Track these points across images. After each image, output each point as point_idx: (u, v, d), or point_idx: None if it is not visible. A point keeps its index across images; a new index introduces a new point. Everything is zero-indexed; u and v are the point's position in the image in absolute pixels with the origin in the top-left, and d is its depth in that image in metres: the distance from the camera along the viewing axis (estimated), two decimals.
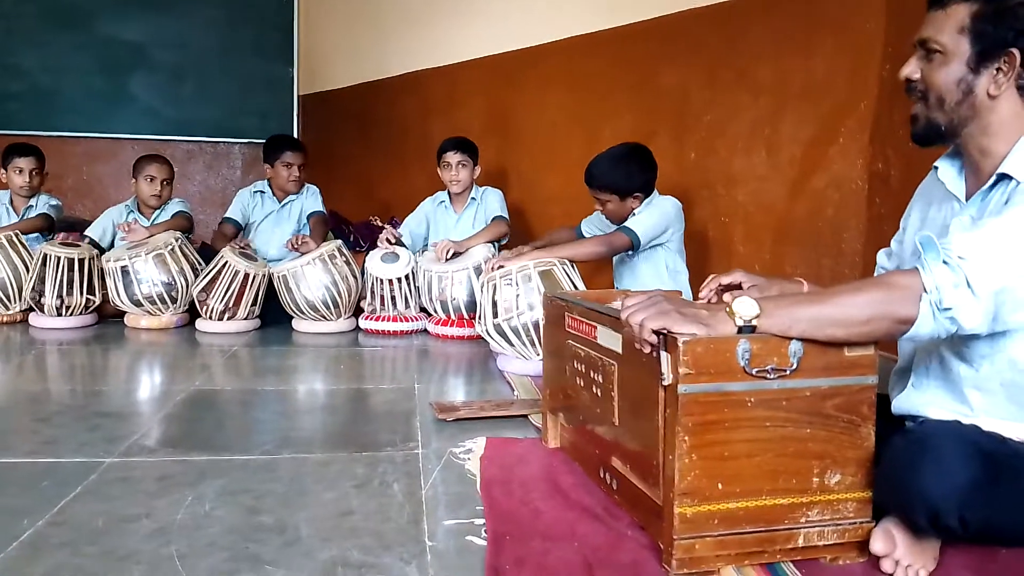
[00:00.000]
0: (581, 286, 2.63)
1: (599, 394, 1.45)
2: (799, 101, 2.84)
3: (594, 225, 3.13)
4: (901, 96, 1.39)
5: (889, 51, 2.46)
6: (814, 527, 1.21)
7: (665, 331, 1.16)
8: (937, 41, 1.26)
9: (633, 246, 2.82)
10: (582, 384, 1.54)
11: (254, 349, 3.03)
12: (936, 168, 1.38)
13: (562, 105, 3.98)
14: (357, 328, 3.42)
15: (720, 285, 1.50)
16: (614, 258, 3.06)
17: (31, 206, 3.88)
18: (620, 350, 1.35)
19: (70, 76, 5.87)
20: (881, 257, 1.59)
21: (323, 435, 1.97)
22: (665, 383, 1.16)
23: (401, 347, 3.10)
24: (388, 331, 3.31)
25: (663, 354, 1.15)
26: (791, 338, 1.16)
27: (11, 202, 3.90)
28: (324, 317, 3.33)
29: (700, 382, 1.13)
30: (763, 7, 2.95)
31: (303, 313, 3.33)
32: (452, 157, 3.60)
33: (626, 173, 2.83)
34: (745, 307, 1.16)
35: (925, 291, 1.09)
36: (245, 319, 3.33)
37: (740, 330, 1.15)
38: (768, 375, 1.16)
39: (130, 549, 1.25)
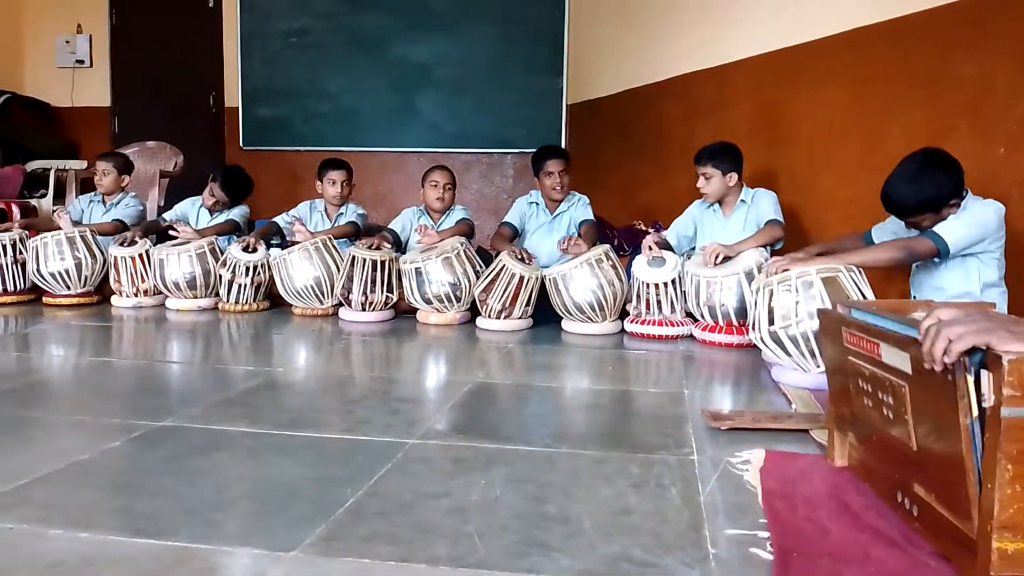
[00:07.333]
0: (870, 296, 2.45)
1: (891, 416, 1.34)
2: None
3: (887, 231, 2.87)
4: None
5: None
6: None
7: (985, 348, 1.06)
8: None
9: (940, 254, 2.55)
10: (870, 404, 1.43)
11: (527, 347, 3.20)
12: None
13: (839, 102, 3.74)
14: (623, 331, 3.47)
15: None
16: (913, 264, 2.80)
17: (341, 213, 4.42)
18: (909, 370, 1.23)
19: (367, 96, 6.59)
20: None
21: (596, 433, 2.03)
22: (984, 405, 1.06)
23: (666, 351, 3.10)
24: (653, 335, 3.33)
25: (983, 373, 1.05)
26: None
27: (325, 210, 4.47)
28: (591, 319, 3.43)
29: None
30: None
31: (571, 314, 3.45)
32: (700, 168, 3.56)
33: (934, 186, 2.54)
34: None
35: None
36: (519, 318, 3.53)
37: None
38: None
39: (434, 523, 1.39)
